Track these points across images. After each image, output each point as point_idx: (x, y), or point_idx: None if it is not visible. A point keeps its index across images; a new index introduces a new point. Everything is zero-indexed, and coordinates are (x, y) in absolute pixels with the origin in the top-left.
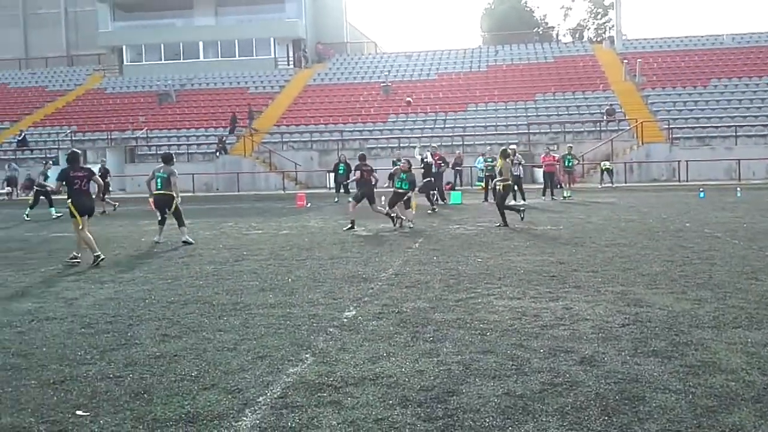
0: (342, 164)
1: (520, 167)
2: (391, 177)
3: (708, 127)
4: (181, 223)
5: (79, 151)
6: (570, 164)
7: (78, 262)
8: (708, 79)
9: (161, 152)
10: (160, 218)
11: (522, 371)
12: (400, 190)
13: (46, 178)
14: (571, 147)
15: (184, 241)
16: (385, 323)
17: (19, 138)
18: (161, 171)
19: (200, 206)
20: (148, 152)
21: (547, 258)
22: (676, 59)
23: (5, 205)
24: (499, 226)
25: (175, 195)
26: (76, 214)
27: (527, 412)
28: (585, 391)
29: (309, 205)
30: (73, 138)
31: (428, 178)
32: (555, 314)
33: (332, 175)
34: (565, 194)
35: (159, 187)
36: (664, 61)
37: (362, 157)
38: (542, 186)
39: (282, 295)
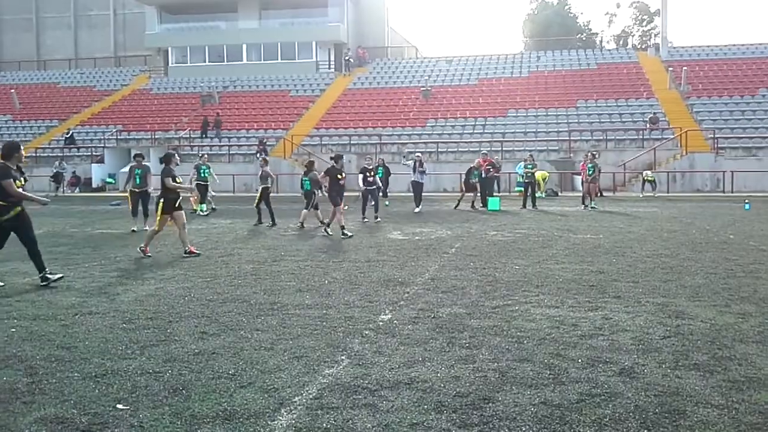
0: (380, 167)
1: (423, 175)
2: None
3: (755, 137)
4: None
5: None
6: (591, 172)
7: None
8: (756, 89)
9: (202, 152)
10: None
11: (559, 381)
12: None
13: (201, 172)
14: (594, 155)
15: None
16: (421, 328)
17: (67, 136)
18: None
19: (240, 206)
20: (191, 152)
21: (586, 267)
22: (723, 68)
23: (53, 201)
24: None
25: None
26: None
27: (564, 423)
28: (624, 403)
29: (347, 207)
30: (119, 137)
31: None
32: (594, 324)
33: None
34: (591, 204)
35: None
36: (711, 69)
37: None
38: (581, 194)
39: (319, 296)
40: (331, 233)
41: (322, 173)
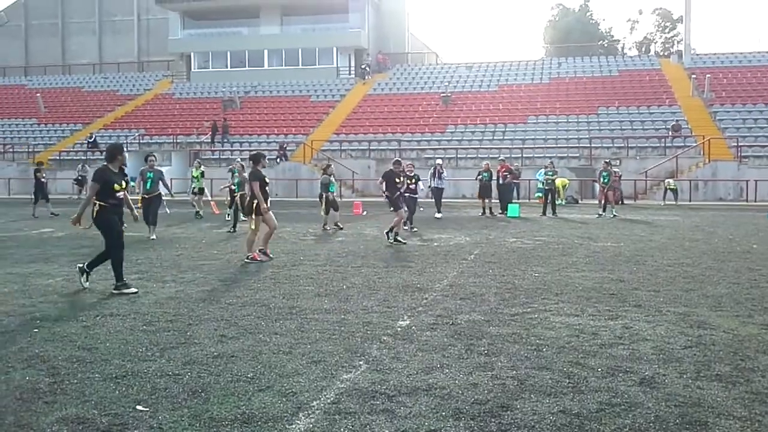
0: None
1: (441, 180)
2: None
3: None
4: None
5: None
6: (606, 180)
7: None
8: None
9: (234, 156)
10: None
11: (579, 389)
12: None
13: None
14: (608, 162)
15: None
16: (439, 334)
17: (90, 140)
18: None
19: None
20: (212, 156)
21: (606, 275)
22: (746, 75)
23: (76, 203)
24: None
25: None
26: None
27: None
28: (644, 413)
29: (365, 213)
30: (141, 141)
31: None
32: (614, 333)
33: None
34: (612, 212)
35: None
36: (734, 77)
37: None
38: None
39: (337, 301)
40: (404, 241)
41: (381, 177)
